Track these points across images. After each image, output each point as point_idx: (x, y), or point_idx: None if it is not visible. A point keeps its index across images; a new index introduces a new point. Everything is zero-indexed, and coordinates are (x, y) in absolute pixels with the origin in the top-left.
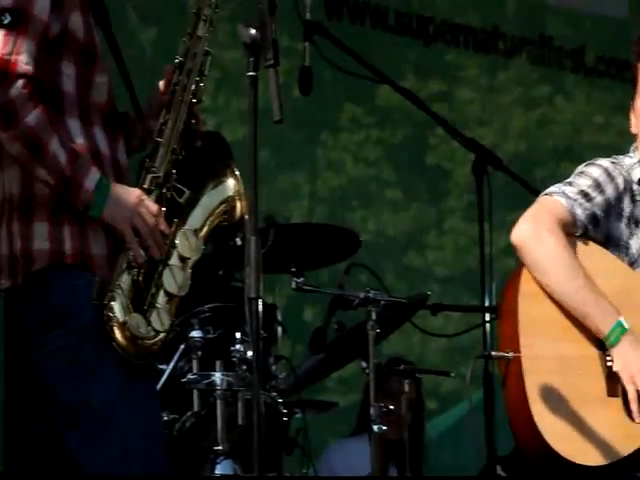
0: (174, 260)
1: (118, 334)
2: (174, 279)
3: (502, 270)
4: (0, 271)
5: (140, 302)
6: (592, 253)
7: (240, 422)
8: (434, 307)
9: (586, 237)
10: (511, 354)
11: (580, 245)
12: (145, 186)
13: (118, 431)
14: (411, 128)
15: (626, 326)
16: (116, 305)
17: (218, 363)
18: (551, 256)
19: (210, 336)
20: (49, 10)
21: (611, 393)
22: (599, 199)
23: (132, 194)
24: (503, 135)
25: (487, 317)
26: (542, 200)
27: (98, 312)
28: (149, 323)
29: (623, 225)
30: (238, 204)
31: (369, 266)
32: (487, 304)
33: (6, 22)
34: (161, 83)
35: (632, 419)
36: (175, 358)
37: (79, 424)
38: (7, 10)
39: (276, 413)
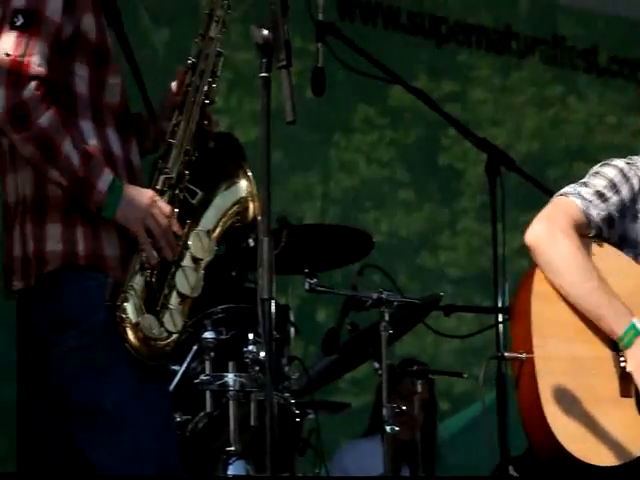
0: (187, 261)
1: (131, 335)
2: (187, 280)
3: (515, 271)
4: (13, 273)
5: (153, 303)
6: (606, 254)
7: (253, 423)
8: (447, 308)
9: (600, 238)
10: (524, 355)
11: (594, 246)
12: (158, 187)
13: (131, 432)
14: (424, 128)
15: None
16: (129, 306)
17: (231, 364)
18: (565, 257)
19: (223, 337)
20: (61, 11)
21: (624, 394)
22: (614, 199)
23: (145, 195)
24: (516, 135)
25: (500, 318)
26: (557, 201)
27: (111, 313)
28: (162, 324)
29: (638, 226)
30: (251, 205)
31: (382, 267)
32: (500, 305)
33: (19, 24)
34: (173, 84)
35: None
36: (188, 359)
37: (92, 424)
38: (20, 12)
39: (289, 414)
